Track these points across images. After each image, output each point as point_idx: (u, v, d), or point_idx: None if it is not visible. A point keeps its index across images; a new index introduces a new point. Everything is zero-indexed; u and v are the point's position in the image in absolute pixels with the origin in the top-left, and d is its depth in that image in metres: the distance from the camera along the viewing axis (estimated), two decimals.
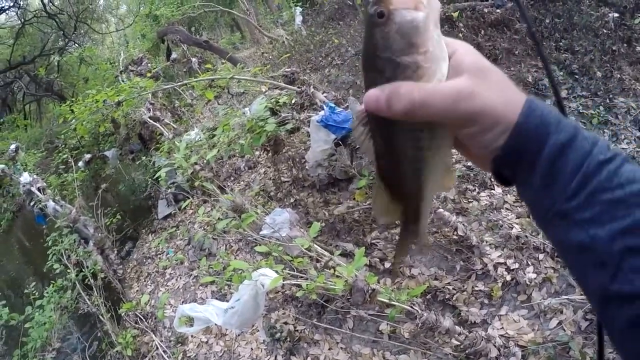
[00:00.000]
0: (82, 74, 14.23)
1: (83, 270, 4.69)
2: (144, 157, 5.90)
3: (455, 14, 4.09)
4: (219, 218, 3.11)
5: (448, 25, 3.96)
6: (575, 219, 0.39)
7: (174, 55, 7.85)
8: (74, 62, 14.59)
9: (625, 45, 4.40)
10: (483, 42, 4.02)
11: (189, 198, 4.13)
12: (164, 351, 3.98)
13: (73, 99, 6.17)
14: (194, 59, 7.21)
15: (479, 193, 3.13)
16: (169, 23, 9.43)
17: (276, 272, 2.42)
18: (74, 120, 5.29)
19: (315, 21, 6.24)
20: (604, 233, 0.37)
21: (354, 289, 2.03)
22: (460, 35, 3.95)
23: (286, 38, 6.20)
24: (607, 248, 0.37)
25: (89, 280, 4.63)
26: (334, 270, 2.02)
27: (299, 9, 6.66)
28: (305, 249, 2.43)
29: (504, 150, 0.42)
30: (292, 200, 3.21)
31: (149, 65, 7.69)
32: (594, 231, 0.37)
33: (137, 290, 5.25)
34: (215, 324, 2.92)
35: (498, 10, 4.55)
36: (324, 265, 2.14)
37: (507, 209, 3.12)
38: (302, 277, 2.41)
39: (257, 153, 3.89)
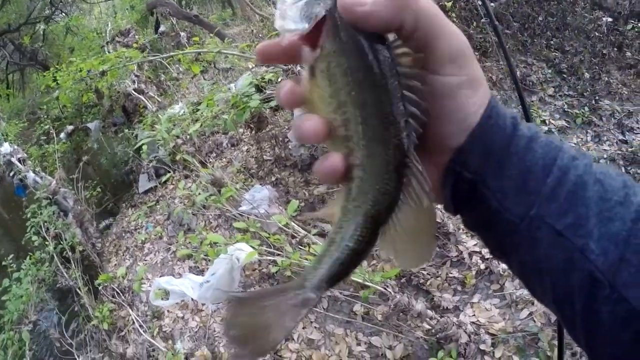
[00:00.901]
0: (68, 44, 13.82)
1: (61, 243, 4.63)
2: (126, 130, 5.81)
3: (449, 4, 4.08)
4: (199, 193, 3.09)
5: None
6: (557, 227, 0.33)
7: (162, 29, 7.68)
8: (60, 31, 14.15)
9: (615, 50, 4.46)
10: (475, 34, 4.03)
11: (170, 172, 4.08)
12: (140, 325, 3.97)
13: (57, 68, 6.01)
14: (182, 33, 7.06)
15: None
16: None
17: (252, 247, 2.42)
18: (57, 90, 5.17)
19: None
20: (594, 243, 0.31)
21: None
22: None
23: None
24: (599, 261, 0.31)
25: (67, 253, 4.58)
26: (309, 247, 2.02)
27: None
28: (283, 225, 2.43)
29: (475, 134, 0.35)
30: (273, 178, 3.21)
31: (136, 37, 7.50)
32: (583, 241, 0.32)
33: (116, 265, 5.21)
34: (191, 299, 2.93)
35: (492, 4, 4.55)
36: (298, 242, 2.14)
37: None
38: (278, 254, 2.41)
39: (241, 130, 3.86)
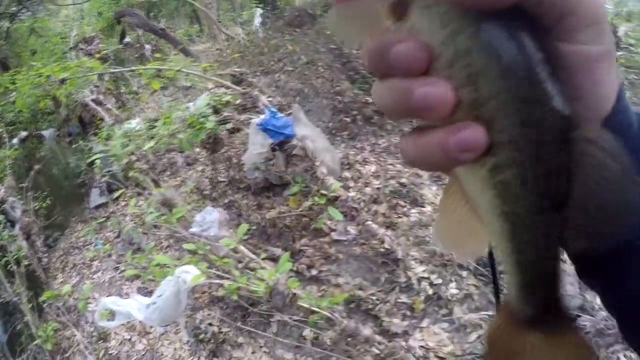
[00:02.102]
0: (31, 45, 13.27)
1: (6, 255, 4.39)
2: (81, 141, 5.61)
3: None
4: (150, 212, 3.02)
5: None
6: None
7: (127, 39, 7.55)
8: (24, 31, 13.56)
9: None
10: None
11: (122, 189, 3.97)
12: (86, 347, 3.81)
13: (17, 70, 5.78)
14: (147, 46, 6.97)
15: (409, 210, 3.26)
16: (129, 4, 9.07)
17: (200, 270, 2.39)
18: (14, 93, 4.97)
19: (274, 25, 6.27)
20: None
21: (274, 292, 2.05)
22: None
23: (242, 37, 6.16)
24: None
25: (11, 266, 4.33)
26: (255, 272, 2.02)
27: (259, 10, 6.64)
28: (232, 249, 2.42)
29: (609, 122, 0.28)
30: (226, 200, 3.19)
31: (100, 45, 7.33)
32: None
33: (62, 281, 4.98)
34: (138, 320, 2.84)
35: None
36: (244, 266, 2.13)
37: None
38: (226, 277, 2.39)
39: (197, 150, 3.83)
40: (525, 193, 0.25)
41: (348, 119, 3.92)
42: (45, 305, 4.11)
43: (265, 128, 2.53)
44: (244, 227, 2.30)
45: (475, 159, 0.25)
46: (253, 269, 2.22)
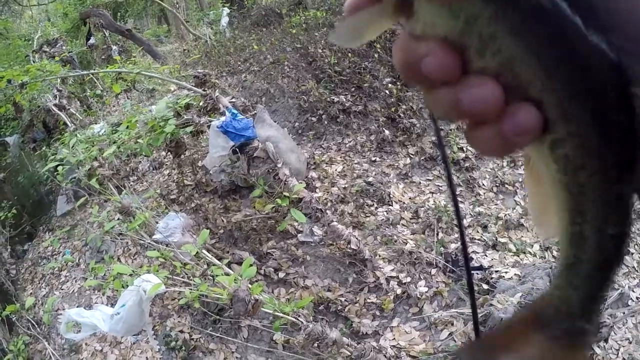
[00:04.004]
0: None
1: None
2: (46, 147, 5.43)
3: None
4: (110, 219, 2.94)
5: (366, 45, 4.14)
6: None
7: (92, 41, 7.34)
8: None
9: None
10: None
11: (89, 195, 3.86)
12: None
13: None
14: (114, 47, 6.79)
15: (376, 208, 3.26)
16: (95, 5, 8.83)
17: (160, 278, 2.34)
18: None
19: (241, 24, 6.21)
20: None
21: (235, 298, 2.01)
22: (376, 55, 4.13)
23: (210, 38, 6.07)
24: None
25: None
26: (214, 279, 1.98)
27: (226, 10, 6.55)
28: (194, 255, 2.37)
29: None
30: (193, 204, 3.13)
31: (64, 47, 7.10)
32: None
33: (31, 293, 4.83)
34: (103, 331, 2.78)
35: None
36: (202, 274, 2.09)
37: (403, 225, 3.28)
38: (188, 284, 2.34)
39: (163, 153, 3.75)
40: (586, 164, 0.24)
41: (314, 119, 3.90)
42: (15, 318, 4.00)
43: (225, 130, 2.48)
44: (205, 232, 2.26)
45: (536, 138, 0.24)
46: (208, 275, 2.18)
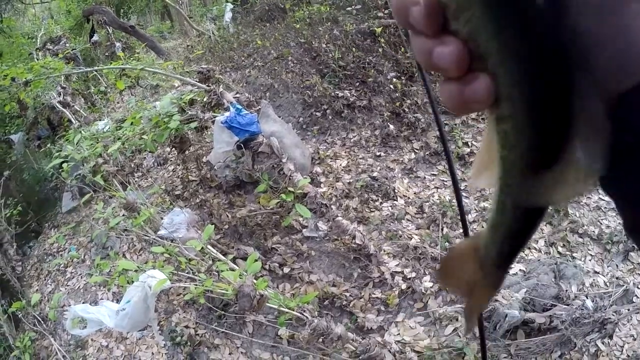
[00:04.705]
0: None
1: None
2: (50, 145, 5.45)
3: (379, 30, 4.24)
4: (115, 216, 2.95)
5: (370, 40, 4.11)
6: None
7: (95, 38, 7.34)
8: None
9: None
10: (402, 59, 4.20)
11: (94, 192, 3.88)
12: (64, 356, 3.76)
13: None
14: (117, 44, 6.79)
15: (381, 203, 3.25)
16: (98, 2, 8.83)
17: (165, 274, 2.34)
18: None
19: (245, 20, 6.19)
20: None
21: (240, 294, 2.01)
22: (381, 50, 4.10)
23: (213, 33, 6.06)
24: None
25: None
26: (218, 275, 1.98)
27: (229, 5, 6.54)
28: (199, 250, 2.37)
29: None
30: (198, 200, 3.13)
31: (67, 45, 7.11)
32: None
33: (37, 290, 4.87)
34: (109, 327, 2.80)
35: None
36: (207, 269, 2.09)
37: (407, 220, 3.26)
38: (193, 280, 2.35)
39: (168, 149, 3.75)
40: (518, 145, 0.26)
41: (318, 114, 3.89)
42: (21, 315, 4.02)
43: (230, 126, 2.47)
44: (210, 228, 2.26)
45: (489, 107, 0.26)
46: (212, 271, 2.18)
